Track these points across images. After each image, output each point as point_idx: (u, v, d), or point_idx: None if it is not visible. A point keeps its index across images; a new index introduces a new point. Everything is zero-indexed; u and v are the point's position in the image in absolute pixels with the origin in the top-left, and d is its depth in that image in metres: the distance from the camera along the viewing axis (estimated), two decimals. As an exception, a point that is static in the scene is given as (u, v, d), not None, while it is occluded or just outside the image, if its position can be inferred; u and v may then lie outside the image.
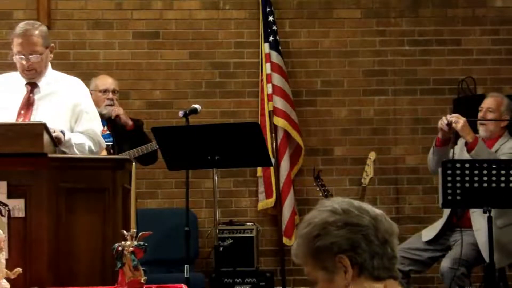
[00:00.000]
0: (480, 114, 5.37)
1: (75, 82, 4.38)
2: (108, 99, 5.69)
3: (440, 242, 5.35)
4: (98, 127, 4.30)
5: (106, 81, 5.80)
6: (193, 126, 4.75)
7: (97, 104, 5.65)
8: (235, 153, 4.45)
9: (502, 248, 5.05)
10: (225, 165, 4.62)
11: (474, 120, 5.32)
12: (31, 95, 4.21)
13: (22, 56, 4.17)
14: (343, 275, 1.96)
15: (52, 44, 4.32)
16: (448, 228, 5.34)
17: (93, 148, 4.18)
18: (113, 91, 5.77)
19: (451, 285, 5.00)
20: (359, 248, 1.96)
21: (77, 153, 4.06)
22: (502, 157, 5.06)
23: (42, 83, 4.25)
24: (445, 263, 5.09)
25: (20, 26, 4.22)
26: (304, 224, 2.03)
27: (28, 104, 4.17)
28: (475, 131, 5.35)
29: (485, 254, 4.94)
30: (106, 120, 5.69)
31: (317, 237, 1.99)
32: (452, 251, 5.16)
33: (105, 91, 5.73)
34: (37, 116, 4.12)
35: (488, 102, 5.38)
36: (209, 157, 4.41)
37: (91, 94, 5.62)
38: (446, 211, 5.35)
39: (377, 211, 2.03)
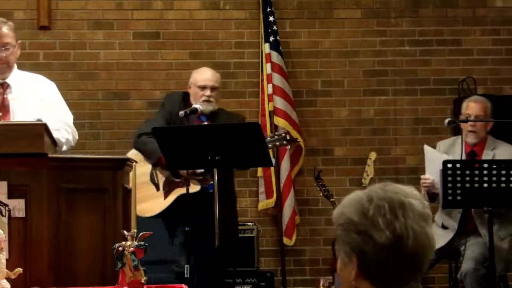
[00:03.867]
0: (470, 124, 5.31)
1: (40, 79, 4.43)
2: (205, 95, 5.21)
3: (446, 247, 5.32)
4: (67, 117, 4.31)
5: (204, 77, 5.32)
6: (193, 126, 4.74)
7: (194, 98, 5.27)
8: (235, 153, 4.45)
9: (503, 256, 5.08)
10: (226, 165, 4.61)
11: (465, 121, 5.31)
12: (4, 96, 4.23)
13: None
14: (352, 267, 1.95)
15: (20, 41, 4.37)
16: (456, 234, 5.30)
17: (67, 136, 4.19)
18: (212, 88, 5.25)
19: (473, 286, 4.97)
20: (366, 259, 1.92)
21: (61, 139, 4.08)
22: None
23: (12, 82, 4.29)
24: (468, 265, 5.02)
25: None
26: (343, 202, 1.99)
27: (4, 106, 4.21)
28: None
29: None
30: (206, 116, 5.26)
31: (340, 226, 1.97)
32: (469, 252, 5.09)
33: (203, 88, 5.25)
34: (15, 117, 4.16)
35: (476, 109, 5.32)
36: (209, 157, 4.41)
37: (189, 88, 5.32)
38: (455, 219, 5.29)
39: (411, 225, 1.91)
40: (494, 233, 4.96)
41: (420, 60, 6.93)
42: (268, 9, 6.70)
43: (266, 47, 6.66)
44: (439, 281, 6.54)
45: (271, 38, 6.66)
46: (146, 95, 6.79)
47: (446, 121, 5.27)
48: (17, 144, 3.46)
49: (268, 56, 6.63)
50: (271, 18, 6.69)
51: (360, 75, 6.91)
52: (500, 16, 6.99)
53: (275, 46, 6.66)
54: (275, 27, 6.68)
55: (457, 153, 5.27)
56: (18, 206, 3.43)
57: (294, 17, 6.92)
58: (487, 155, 5.26)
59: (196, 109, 4.94)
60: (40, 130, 3.51)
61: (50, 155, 3.52)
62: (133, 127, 6.74)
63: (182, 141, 4.45)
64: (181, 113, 4.91)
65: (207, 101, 5.19)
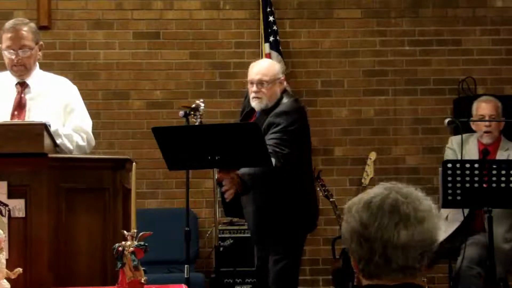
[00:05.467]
0: (485, 124, 5.32)
1: (64, 82, 4.38)
2: (253, 91, 4.75)
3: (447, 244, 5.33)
4: (85, 123, 4.25)
5: (250, 71, 4.87)
6: (193, 126, 4.72)
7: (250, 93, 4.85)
8: (235, 153, 4.43)
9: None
10: (226, 165, 4.58)
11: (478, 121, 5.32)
12: (22, 95, 4.20)
13: (12, 51, 4.15)
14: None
15: (41, 42, 4.30)
16: (460, 232, 5.30)
17: (80, 143, 4.13)
18: (259, 83, 4.73)
19: (469, 285, 4.98)
20: (349, 246, 2.07)
21: (67, 144, 4.05)
22: None
23: (32, 82, 4.24)
24: (462, 263, 5.01)
25: (10, 22, 4.22)
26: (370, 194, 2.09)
27: (20, 105, 4.16)
28: (470, 131, 5.38)
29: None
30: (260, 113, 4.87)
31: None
32: (466, 250, 5.11)
33: (251, 83, 4.80)
34: (30, 117, 4.10)
35: (488, 109, 5.33)
36: (209, 157, 4.39)
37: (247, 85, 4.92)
38: (459, 216, 5.30)
39: (381, 217, 2.02)
40: (501, 234, 4.99)
41: (420, 60, 6.94)
42: (268, 9, 6.71)
43: (266, 47, 6.67)
44: (439, 281, 6.55)
45: (271, 38, 6.66)
46: (146, 95, 6.79)
47: (446, 121, 5.27)
48: (17, 144, 3.45)
49: (268, 56, 6.63)
50: (271, 18, 6.69)
51: (360, 75, 6.91)
52: (500, 16, 6.99)
53: (275, 46, 6.66)
54: (275, 27, 6.69)
55: (470, 150, 5.27)
56: (18, 206, 3.43)
57: (294, 17, 6.92)
58: (501, 155, 5.26)
59: (198, 106, 4.90)
60: (40, 130, 3.51)
61: (50, 155, 3.52)
62: (132, 127, 6.76)
63: (182, 141, 4.43)
64: (181, 113, 4.89)
65: (256, 97, 4.76)
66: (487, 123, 5.31)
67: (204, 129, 4.54)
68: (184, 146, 4.41)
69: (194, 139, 4.41)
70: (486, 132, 5.32)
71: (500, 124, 5.35)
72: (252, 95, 4.76)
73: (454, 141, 5.52)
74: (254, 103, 4.77)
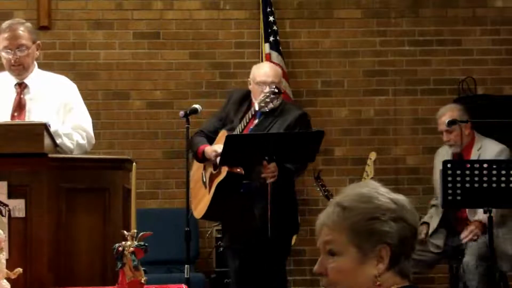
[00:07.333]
0: (444, 138, 5.36)
1: (63, 81, 4.38)
2: (264, 92, 4.84)
3: (447, 243, 5.33)
4: (85, 122, 4.25)
5: (262, 72, 5.01)
6: (266, 134, 4.77)
7: (254, 95, 5.00)
8: (292, 154, 4.66)
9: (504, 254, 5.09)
10: (278, 162, 4.68)
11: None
12: (22, 96, 4.20)
13: (9, 51, 4.16)
14: (375, 263, 1.93)
15: (39, 42, 4.31)
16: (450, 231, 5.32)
17: (80, 141, 4.14)
18: (271, 85, 4.87)
19: (478, 281, 4.99)
20: (404, 245, 1.94)
21: (67, 143, 4.05)
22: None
23: (31, 82, 4.24)
24: (469, 259, 5.05)
25: (6, 23, 4.25)
26: (361, 198, 1.97)
27: (20, 106, 4.17)
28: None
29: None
30: (263, 113, 4.96)
31: (375, 219, 1.94)
32: (473, 247, 5.11)
33: (263, 84, 4.92)
34: (30, 118, 4.11)
35: (441, 123, 5.34)
36: (266, 158, 4.54)
37: (249, 84, 5.10)
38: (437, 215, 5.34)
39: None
40: (501, 235, 4.99)
41: (420, 60, 6.93)
42: (268, 9, 6.70)
43: (266, 47, 6.67)
44: (439, 281, 6.54)
45: (271, 38, 6.66)
46: (146, 95, 6.79)
47: (447, 121, 5.27)
48: (17, 144, 3.46)
49: (268, 56, 6.63)
50: (271, 18, 6.69)
51: (360, 75, 6.91)
52: (500, 16, 6.99)
53: (275, 46, 6.66)
54: (275, 27, 6.69)
55: (443, 157, 5.28)
56: (18, 206, 3.43)
57: (294, 17, 6.92)
58: (474, 155, 5.26)
59: (196, 109, 4.92)
60: (40, 130, 3.51)
61: (50, 155, 3.52)
62: (132, 127, 6.75)
63: (247, 145, 4.62)
64: (181, 113, 4.90)
65: (267, 98, 4.83)
66: (444, 136, 5.32)
67: (275, 137, 4.68)
68: (247, 148, 4.61)
69: (260, 144, 4.61)
70: (448, 145, 5.36)
71: (463, 130, 5.28)
72: (263, 95, 4.81)
73: (440, 151, 5.54)
74: (264, 103, 4.86)
